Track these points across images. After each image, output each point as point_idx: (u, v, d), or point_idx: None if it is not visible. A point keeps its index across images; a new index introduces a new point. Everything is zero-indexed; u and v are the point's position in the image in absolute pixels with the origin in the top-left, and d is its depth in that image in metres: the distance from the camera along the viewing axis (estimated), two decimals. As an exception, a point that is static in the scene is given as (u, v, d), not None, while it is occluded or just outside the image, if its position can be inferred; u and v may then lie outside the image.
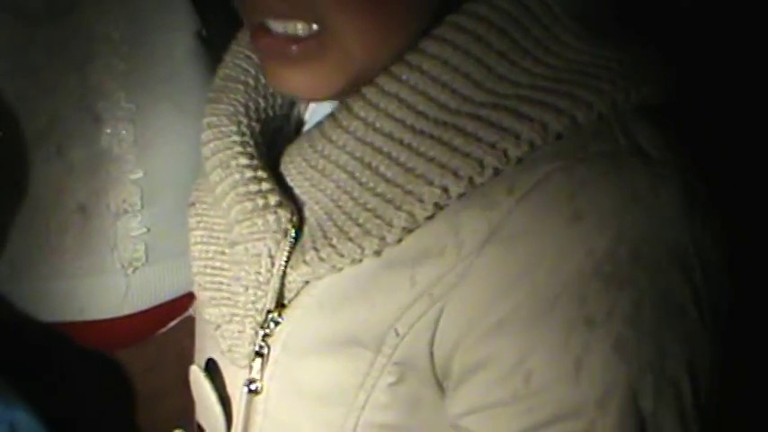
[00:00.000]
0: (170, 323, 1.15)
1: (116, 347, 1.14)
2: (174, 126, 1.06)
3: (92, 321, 1.10)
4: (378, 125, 0.64)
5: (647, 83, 0.63)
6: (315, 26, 0.63)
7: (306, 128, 0.77)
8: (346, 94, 0.67)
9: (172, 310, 1.14)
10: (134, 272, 1.09)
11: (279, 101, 0.77)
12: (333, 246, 0.65)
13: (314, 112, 0.77)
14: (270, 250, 0.69)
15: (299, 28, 0.64)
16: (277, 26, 0.65)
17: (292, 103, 0.78)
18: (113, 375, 1.16)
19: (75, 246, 1.07)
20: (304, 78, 0.65)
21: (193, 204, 0.80)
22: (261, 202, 0.69)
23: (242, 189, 0.70)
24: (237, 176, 0.71)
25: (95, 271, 1.08)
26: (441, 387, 0.64)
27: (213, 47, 1.09)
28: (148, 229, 1.09)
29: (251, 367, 0.71)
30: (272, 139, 0.76)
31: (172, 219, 1.06)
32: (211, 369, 0.77)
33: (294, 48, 0.64)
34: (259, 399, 0.71)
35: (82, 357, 1.14)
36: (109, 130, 1.05)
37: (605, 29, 0.66)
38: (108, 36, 1.05)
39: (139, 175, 1.07)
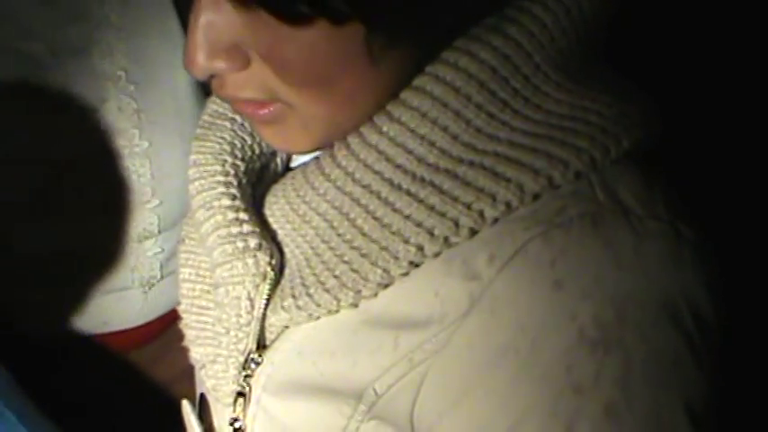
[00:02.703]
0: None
1: (132, 350, 1.27)
2: (184, 157, 1.15)
3: (113, 332, 1.23)
4: (357, 176, 0.65)
5: (629, 135, 0.62)
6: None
7: (294, 163, 0.77)
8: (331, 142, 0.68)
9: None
10: (150, 288, 1.21)
11: None
12: (310, 295, 0.65)
13: None
14: (249, 293, 0.69)
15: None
16: None
17: None
18: (126, 369, 1.28)
19: (100, 268, 1.17)
20: (276, 137, 0.67)
21: (183, 241, 0.81)
22: (241, 244, 0.69)
23: (223, 231, 0.70)
24: (220, 217, 0.71)
25: (116, 289, 1.20)
26: None
27: (207, 84, 1.18)
28: (163, 249, 1.20)
29: (235, 406, 0.72)
30: (258, 177, 0.76)
31: (183, 237, 1.17)
32: (203, 404, 0.79)
33: (261, 112, 0.65)
34: None
35: (98, 356, 1.26)
36: (127, 166, 1.15)
37: (588, 73, 0.65)
38: (116, 77, 1.14)
39: (156, 203, 1.17)
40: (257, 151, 0.76)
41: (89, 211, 1.15)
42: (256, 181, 0.75)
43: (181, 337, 0.82)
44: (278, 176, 0.76)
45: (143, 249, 1.18)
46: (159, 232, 1.19)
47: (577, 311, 0.58)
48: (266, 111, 0.64)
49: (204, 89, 1.18)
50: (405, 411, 0.64)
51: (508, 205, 0.60)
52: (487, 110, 0.62)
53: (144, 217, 1.17)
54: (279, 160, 0.78)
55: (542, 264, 0.59)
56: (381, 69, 0.62)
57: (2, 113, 1.12)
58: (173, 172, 1.17)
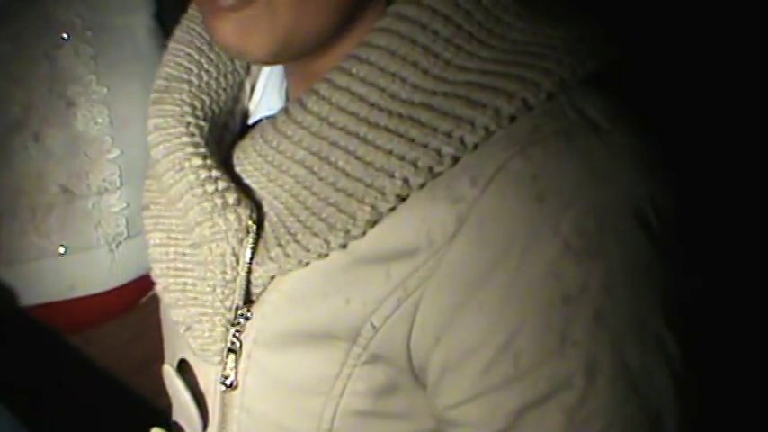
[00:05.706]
0: (151, 291, 1.21)
1: (103, 320, 1.20)
2: (144, 104, 1.10)
3: (81, 298, 1.16)
4: (332, 119, 0.66)
5: (591, 57, 0.65)
6: None
7: (251, 120, 0.79)
8: (283, 60, 0.70)
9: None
10: (117, 246, 1.15)
11: (223, 97, 0.78)
12: (298, 241, 0.66)
13: (258, 105, 0.79)
14: (233, 249, 0.70)
15: None
16: None
17: (236, 99, 0.79)
18: (99, 348, 1.21)
19: (61, 226, 1.12)
20: (233, 29, 0.66)
21: (148, 207, 0.81)
22: (219, 201, 0.70)
23: (199, 190, 0.71)
24: (192, 177, 0.71)
25: (81, 248, 1.14)
26: (416, 377, 0.66)
27: (167, 28, 1.14)
28: (128, 205, 1.15)
29: (224, 364, 0.72)
30: (219, 136, 0.76)
31: (149, 193, 1.12)
32: (183, 368, 0.78)
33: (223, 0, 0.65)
34: (235, 393, 0.73)
35: (68, 334, 1.20)
36: (84, 114, 1.11)
37: (544, 4, 0.68)
38: (72, 23, 1.11)
39: (116, 154, 1.13)
40: (216, 111, 0.77)
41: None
42: (218, 140, 0.76)
43: (159, 311, 0.83)
44: (236, 135, 0.77)
45: (106, 204, 1.14)
46: (121, 185, 1.14)
47: (560, 221, 0.60)
48: None
49: (163, 33, 1.13)
50: (402, 341, 0.65)
51: (487, 129, 0.62)
52: (455, 43, 0.65)
53: (103, 168, 1.12)
54: (237, 118, 0.79)
55: (524, 179, 0.61)
56: None
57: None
58: (132, 119, 1.13)
